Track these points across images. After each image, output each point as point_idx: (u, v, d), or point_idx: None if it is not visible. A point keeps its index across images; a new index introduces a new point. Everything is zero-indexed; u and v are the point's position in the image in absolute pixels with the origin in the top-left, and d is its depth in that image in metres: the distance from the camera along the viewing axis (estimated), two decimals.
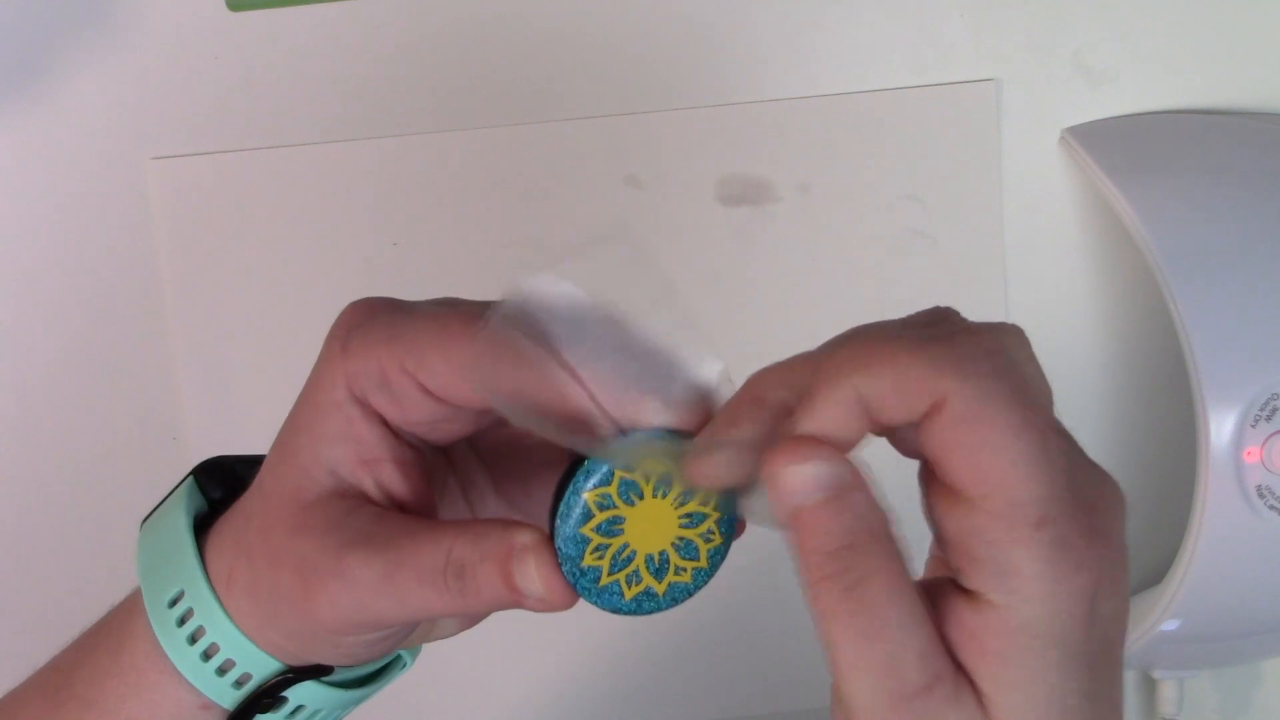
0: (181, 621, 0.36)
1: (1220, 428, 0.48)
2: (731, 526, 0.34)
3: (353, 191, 0.57)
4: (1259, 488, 0.48)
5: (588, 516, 0.32)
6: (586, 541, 0.32)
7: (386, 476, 0.35)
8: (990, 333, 0.31)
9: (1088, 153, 0.54)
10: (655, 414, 0.32)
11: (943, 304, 0.33)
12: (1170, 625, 0.51)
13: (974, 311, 0.58)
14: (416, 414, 0.34)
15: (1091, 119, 0.56)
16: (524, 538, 0.32)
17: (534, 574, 0.32)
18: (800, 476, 0.30)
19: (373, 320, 0.35)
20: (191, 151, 0.57)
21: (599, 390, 0.32)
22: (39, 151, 0.57)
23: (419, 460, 0.36)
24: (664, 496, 0.33)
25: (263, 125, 0.57)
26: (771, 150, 0.56)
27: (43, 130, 0.57)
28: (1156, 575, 0.53)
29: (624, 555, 0.33)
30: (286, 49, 0.56)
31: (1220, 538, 0.49)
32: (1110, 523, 0.29)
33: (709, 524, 0.33)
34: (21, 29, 0.56)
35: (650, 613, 0.33)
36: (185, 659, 0.35)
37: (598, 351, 0.33)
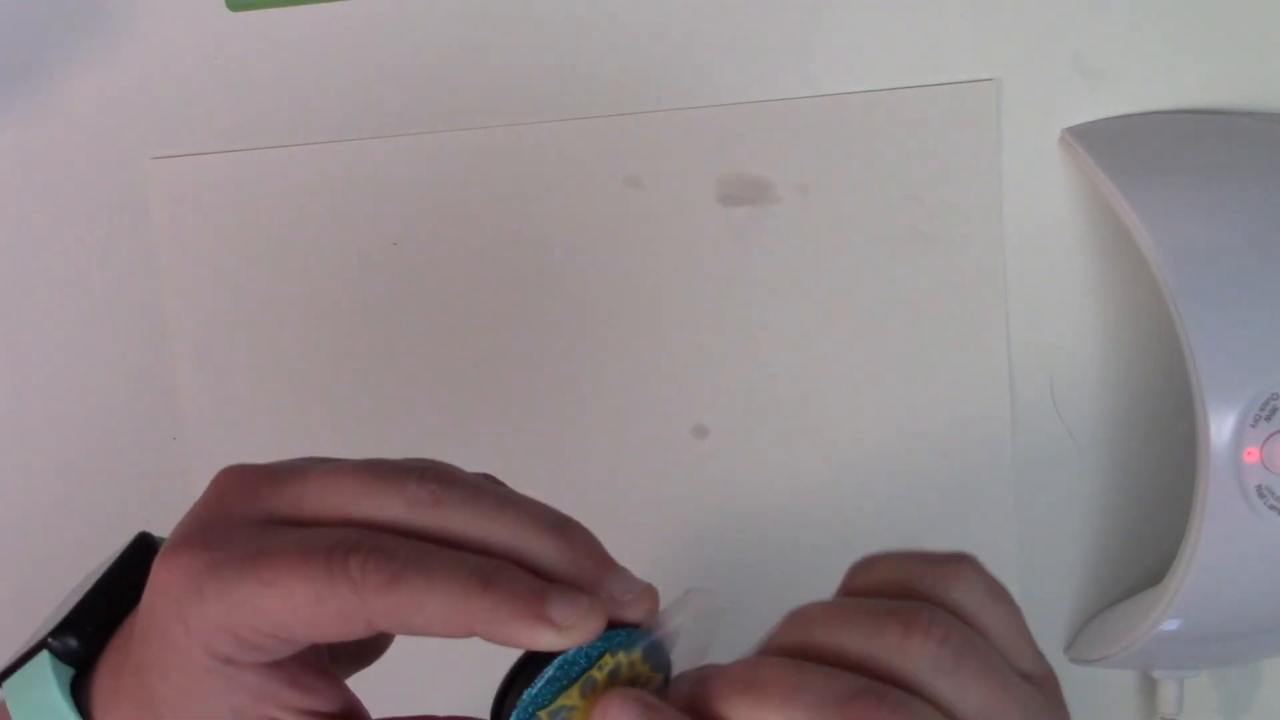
0: None
1: (1220, 428, 0.48)
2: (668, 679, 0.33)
3: (353, 191, 0.57)
4: (1259, 488, 0.48)
5: (540, 702, 0.31)
6: None
7: (289, 698, 0.33)
8: (951, 583, 0.32)
9: (1088, 153, 0.54)
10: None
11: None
12: (1170, 625, 0.51)
13: (974, 311, 0.58)
14: (289, 653, 0.32)
15: (1091, 119, 0.56)
16: None
17: None
18: None
19: (214, 585, 0.31)
20: (191, 151, 0.57)
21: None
22: (39, 152, 0.57)
23: (310, 662, 0.34)
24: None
25: (263, 125, 0.57)
26: (771, 150, 0.56)
27: (43, 130, 0.57)
28: (1156, 575, 0.53)
29: None
30: (286, 49, 0.56)
31: (1220, 538, 0.49)
32: None
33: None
34: (21, 29, 0.56)
35: None
36: None
37: None
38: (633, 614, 0.31)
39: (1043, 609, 0.59)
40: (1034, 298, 0.57)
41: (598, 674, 0.31)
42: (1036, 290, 0.57)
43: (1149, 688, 0.59)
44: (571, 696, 0.31)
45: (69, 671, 0.36)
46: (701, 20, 0.56)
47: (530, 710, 0.31)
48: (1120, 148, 0.54)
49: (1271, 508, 0.48)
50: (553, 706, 0.31)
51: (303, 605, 0.30)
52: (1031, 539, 0.58)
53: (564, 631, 0.30)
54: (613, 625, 0.31)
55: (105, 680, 0.36)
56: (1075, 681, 0.60)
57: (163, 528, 0.61)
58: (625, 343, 0.57)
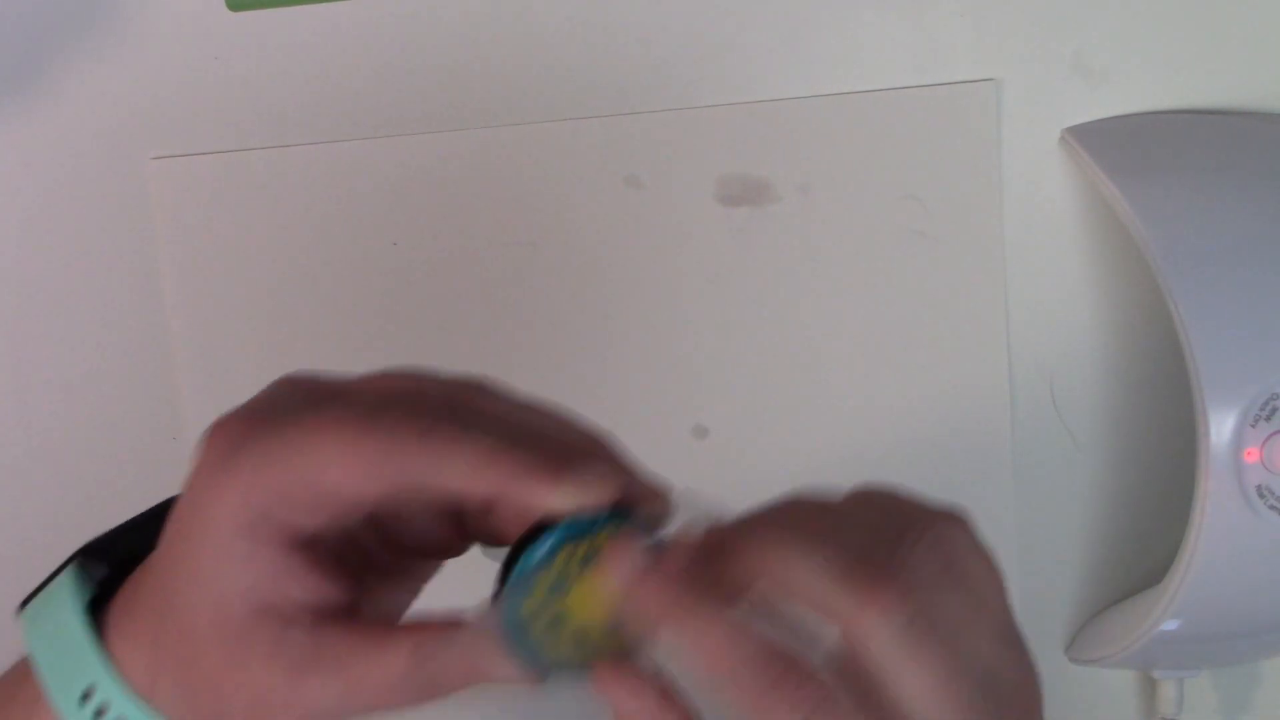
0: (98, 715, 0.34)
1: (1220, 428, 0.48)
2: None
3: (353, 191, 0.57)
4: (1259, 488, 0.48)
5: (529, 589, 0.32)
6: (527, 593, 0.32)
7: (302, 587, 0.33)
8: (933, 550, 0.32)
9: (1088, 153, 0.54)
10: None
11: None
12: (1170, 625, 0.51)
13: (974, 311, 0.58)
14: (318, 522, 0.33)
15: (1091, 119, 0.56)
16: (482, 646, 0.32)
17: (494, 669, 0.32)
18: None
19: (253, 441, 0.33)
20: (191, 151, 0.57)
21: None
22: (39, 151, 0.57)
23: (325, 557, 0.34)
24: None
25: (263, 125, 0.57)
26: (771, 150, 0.56)
27: (43, 130, 0.57)
28: (1156, 575, 0.53)
29: (558, 621, 0.33)
30: (286, 49, 0.56)
31: (1220, 538, 0.49)
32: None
33: None
34: (21, 29, 0.56)
35: (567, 682, 0.33)
36: None
37: None
38: (645, 498, 0.33)
39: (1043, 609, 0.59)
40: (1034, 298, 0.57)
41: (598, 545, 0.32)
42: (1036, 290, 0.57)
43: (1149, 688, 0.59)
44: (571, 563, 0.32)
45: (87, 593, 0.36)
46: (701, 20, 0.56)
47: (532, 571, 0.32)
48: (1120, 148, 0.54)
49: (1271, 508, 0.48)
50: (552, 570, 0.32)
51: (339, 452, 0.31)
52: (1031, 539, 0.58)
53: (582, 489, 0.31)
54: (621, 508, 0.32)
55: (123, 600, 0.36)
56: (1075, 681, 0.60)
57: None
58: (625, 342, 0.57)
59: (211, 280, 0.58)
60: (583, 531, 0.32)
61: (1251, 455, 0.48)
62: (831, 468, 0.58)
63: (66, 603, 0.36)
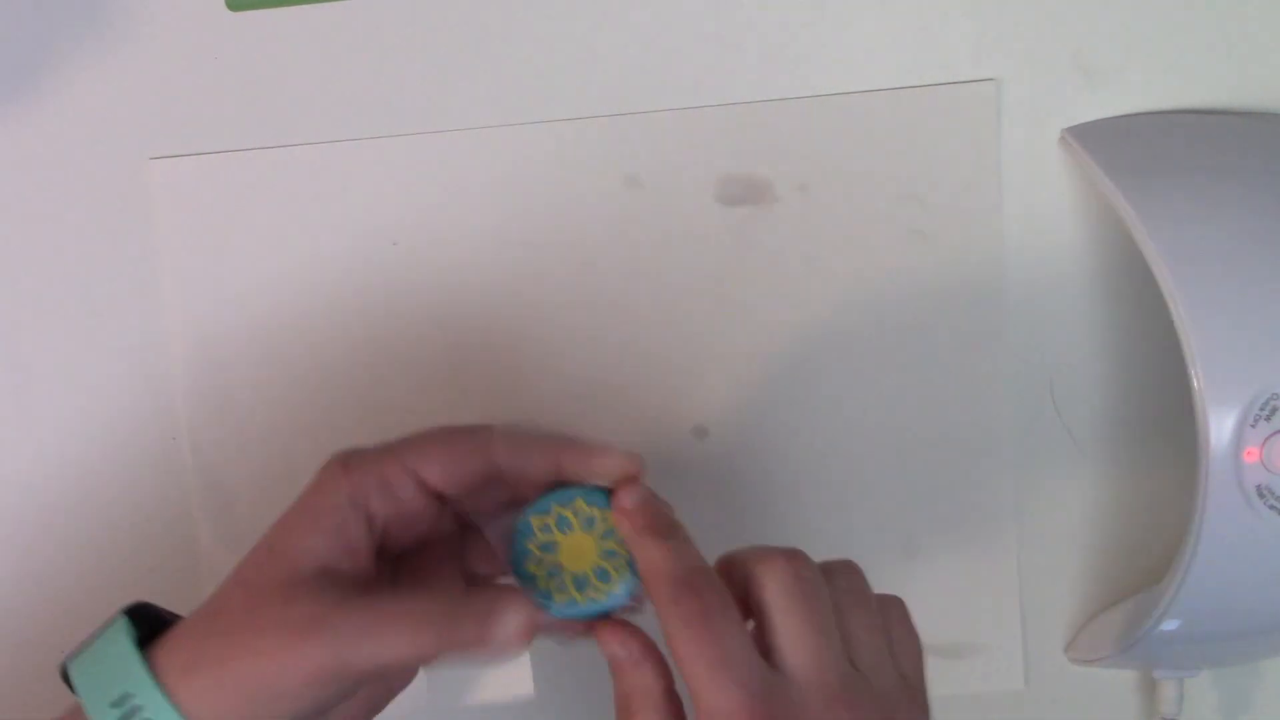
0: (126, 719, 0.39)
1: (1220, 428, 0.48)
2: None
3: (353, 191, 0.57)
4: (1259, 488, 0.48)
5: (529, 535, 0.45)
6: (528, 554, 0.45)
7: (362, 562, 0.43)
8: (859, 589, 0.44)
9: (1088, 153, 0.54)
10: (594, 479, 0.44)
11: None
12: (1170, 625, 0.51)
13: (974, 311, 0.58)
14: (409, 508, 0.44)
15: (1091, 119, 0.56)
16: (505, 598, 0.42)
17: (514, 619, 0.41)
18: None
19: (366, 449, 0.44)
20: (191, 151, 0.57)
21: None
22: (39, 151, 0.57)
23: (386, 550, 0.45)
24: (589, 532, 0.44)
25: (263, 125, 0.57)
26: (771, 150, 0.56)
27: (43, 130, 0.57)
28: (1156, 575, 0.53)
29: (555, 569, 0.44)
30: (286, 49, 0.56)
31: (1220, 538, 0.49)
32: None
33: (621, 560, 0.44)
34: (21, 29, 0.56)
35: (573, 618, 0.44)
36: None
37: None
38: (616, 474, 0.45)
39: (1043, 609, 0.59)
40: (1034, 298, 0.57)
41: (576, 510, 0.44)
42: (1036, 290, 0.57)
43: (1149, 688, 0.59)
44: (557, 526, 0.45)
45: (133, 632, 0.42)
46: (701, 20, 0.56)
47: (529, 530, 0.45)
48: (1120, 148, 0.54)
49: (1271, 508, 0.48)
50: (549, 523, 0.45)
51: (442, 449, 0.44)
52: (1031, 539, 0.58)
53: (611, 461, 0.44)
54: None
55: (170, 635, 0.42)
56: (1075, 681, 0.60)
57: (161, 527, 0.61)
58: (624, 342, 0.57)
59: (211, 280, 0.58)
60: (563, 501, 0.45)
61: (1251, 455, 0.48)
62: (831, 468, 0.58)
63: (113, 637, 0.42)
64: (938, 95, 0.56)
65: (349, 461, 0.43)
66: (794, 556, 0.42)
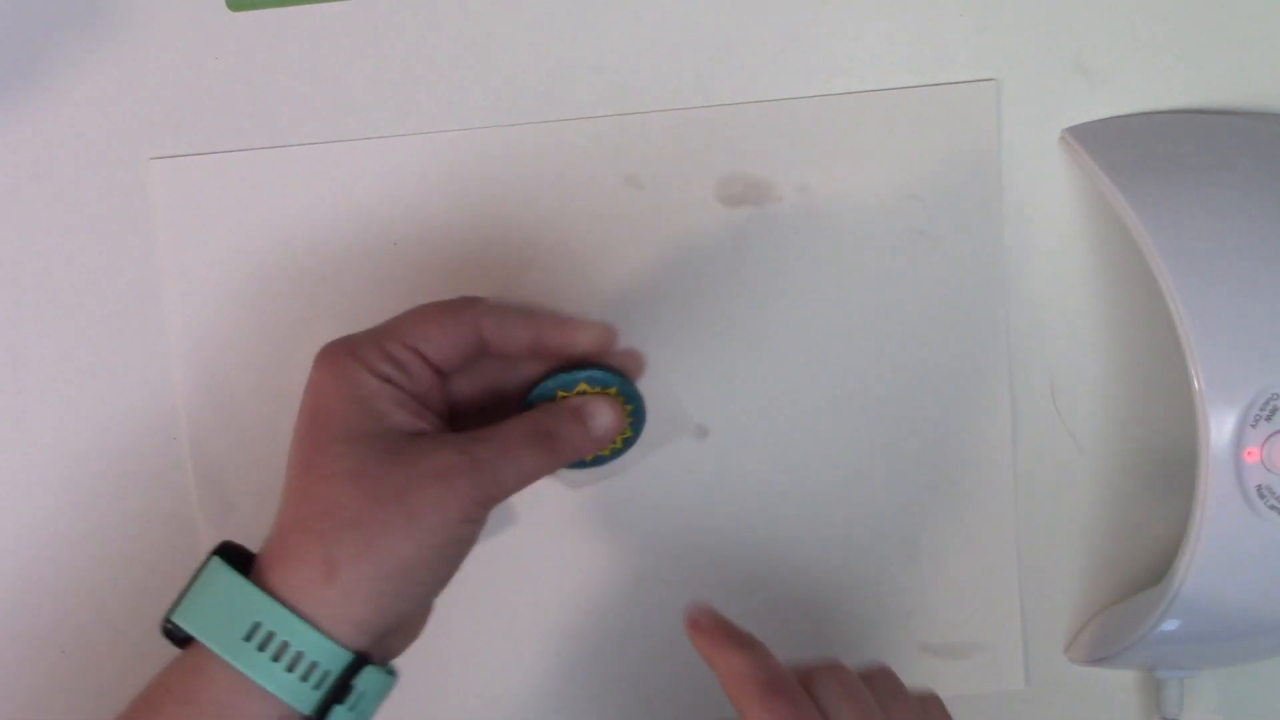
0: (262, 647, 0.41)
1: (1220, 428, 0.48)
2: (641, 422, 0.53)
3: (353, 191, 0.57)
4: (1259, 488, 0.48)
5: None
6: None
7: (436, 407, 0.47)
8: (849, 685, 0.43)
9: (1088, 153, 0.54)
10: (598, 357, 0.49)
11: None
12: (1170, 625, 0.51)
13: (973, 311, 0.58)
14: (417, 379, 0.46)
15: (1091, 119, 0.56)
16: (584, 400, 0.49)
17: (604, 411, 0.49)
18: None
19: (356, 335, 0.46)
20: (191, 151, 0.57)
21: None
22: (39, 151, 0.57)
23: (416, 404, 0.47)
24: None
25: (263, 125, 0.57)
26: (771, 150, 0.56)
27: (42, 130, 0.57)
28: (1156, 575, 0.53)
29: None
30: (286, 49, 0.56)
31: (1220, 538, 0.49)
32: None
33: (626, 419, 0.51)
34: (20, 29, 0.56)
35: (581, 468, 0.52)
36: (273, 678, 0.41)
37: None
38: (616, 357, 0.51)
39: (1043, 609, 0.59)
40: (1034, 298, 0.57)
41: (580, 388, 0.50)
42: (1036, 290, 0.57)
43: (1149, 688, 0.59)
44: (572, 394, 0.50)
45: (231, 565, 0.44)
46: (701, 20, 0.56)
47: (535, 395, 0.50)
48: (1120, 148, 0.54)
49: (1271, 508, 0.48)
50: (555, 398, 0.49)
51: (439, 320, 0.47)
52: (1031, 539, 0.58)
53: (592, 332, 0.49)
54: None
55: (275, 550, 0.44)
56: (1075, 681, 0.60)
57: (160, 526, 0.61)
58: (625, 342, 0.57)
59: (211, 280, 0.58)
60: (567, 386, 0.49)
61: (1251, 455, 0.48)
62: (831, 469, 0.58)
63: (214, 573, 0.43)
64: (938, 95, 0.56)
65: (350, 344, 0.45)
66: (837, 667, 0.43)
